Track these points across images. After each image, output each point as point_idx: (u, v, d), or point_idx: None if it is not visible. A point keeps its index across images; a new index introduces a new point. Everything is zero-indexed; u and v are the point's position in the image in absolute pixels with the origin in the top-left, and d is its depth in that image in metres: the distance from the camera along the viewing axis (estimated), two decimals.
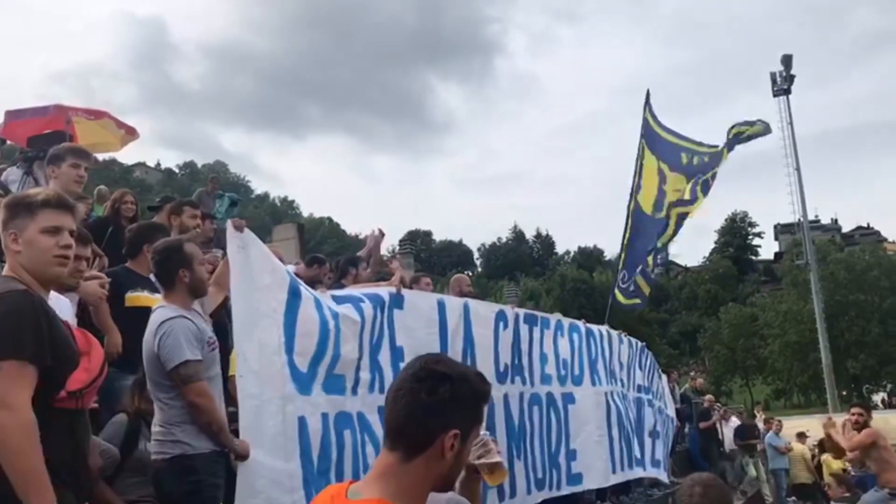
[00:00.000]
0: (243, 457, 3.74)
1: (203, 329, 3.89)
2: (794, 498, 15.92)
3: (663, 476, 10.05)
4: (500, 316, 6.14)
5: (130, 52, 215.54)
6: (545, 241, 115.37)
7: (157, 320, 3.82)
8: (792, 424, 18.71)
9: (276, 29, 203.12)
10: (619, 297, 12.79)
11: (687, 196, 12.88)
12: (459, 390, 1.81)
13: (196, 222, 6.00)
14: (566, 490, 6.76)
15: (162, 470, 3.79)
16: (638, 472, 8.81)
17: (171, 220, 5.98)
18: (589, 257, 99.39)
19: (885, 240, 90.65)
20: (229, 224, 4.12)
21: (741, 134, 13.47)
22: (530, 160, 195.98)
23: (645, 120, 13.54)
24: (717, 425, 16.16)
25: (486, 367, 5.78)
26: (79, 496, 2.72)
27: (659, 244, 12.98)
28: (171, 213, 6.03)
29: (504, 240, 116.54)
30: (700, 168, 13.10)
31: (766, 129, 13.95)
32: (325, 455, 3.95)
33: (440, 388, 1.78)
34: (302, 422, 3.97)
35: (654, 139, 13.45)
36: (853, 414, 8.50)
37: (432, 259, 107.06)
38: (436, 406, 1.77)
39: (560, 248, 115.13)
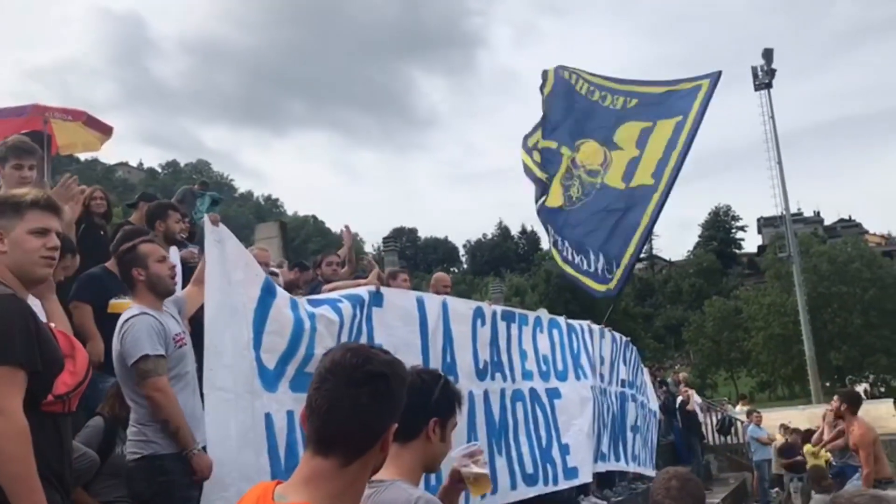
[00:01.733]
0: (199, 471, 3.65)
1: (168, 326, 3.87)
2: (777, 489, 16.06)
3: (646, 471, 10.09)
4: (478, 313, 6.15)
5: (108, 48, 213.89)
6: (530, 237, 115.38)
7: (121, 321, 3.84)
8: (776, 416, 18.87)
9: (256, 24, 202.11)
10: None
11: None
12: (394, 385, 1.78)
13: (181, 226, 5.90)
14: (564, 484, 6.80)
15: (133, 470, 3.76)
16: (611, 466, 8.84)
17: (157, 225, 5.85)
18: None
19: (867, 232, 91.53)
20: (206, 218, 4.09)
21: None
22: (515, 156, 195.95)
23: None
24: (699, 418, 16.22)
25: (465, 364, 5.80)
26: (64, 498, 2.71)
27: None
28: (156, 217, 5.84)
29: (489, 236, 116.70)
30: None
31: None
32: (293, 452, 3.94)
33: (381, 387, 1.74)
34: (268, 418, 3.96)
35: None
36: (833, 402, 8.60)
37: (418, 256, 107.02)
38: (379, 407, 1.74)
39: (545, 244, 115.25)
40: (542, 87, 12.06)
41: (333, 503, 1.68)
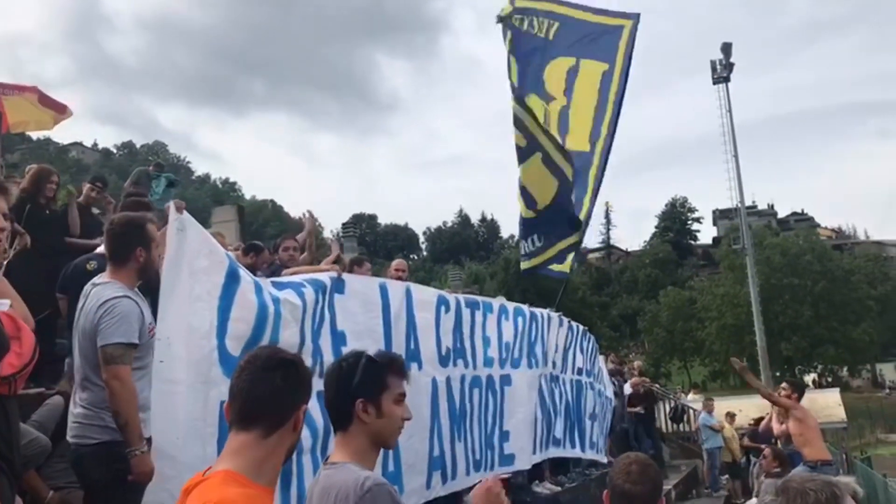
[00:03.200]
0: (136, 473, 3.50)
1: (146, 314, 3.76)
2: (726, 476, 16.40)
3: (600, 457, 10.24)
4: (442, 300, 6.15)
5: (60, 22, 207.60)
6: (490, 226, 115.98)
7: (104, 295, 3.65)
8: (728, 405, 19.22)
9: (214, 1, 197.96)
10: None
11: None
12: (302, 372, 2.17)
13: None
14: (500, 470, 6.82)
15: (86, 456, 3.64)
16: (567, 452, 8.93)
17: None
18: None
19: (819, 225, 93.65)
20: (172, 205, 3.98)
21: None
22: (476, 143, 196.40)
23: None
24: (654, 407, 16.43)
25: (428, 350, 5.80)
26: (11, 482, 2.65)
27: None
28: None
29: (449, 224, 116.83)
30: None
31: None
32: None
33: (291, 371, 2.12)
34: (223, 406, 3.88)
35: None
36: (781, 389, 8.86)
37: (377, 243, 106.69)
38: (290, 387, 2.10)
39: (505, 233, 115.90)
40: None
41: (257, 467, 2.01)
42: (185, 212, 3.96)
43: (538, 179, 10.15)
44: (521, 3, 10.93)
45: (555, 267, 10.36)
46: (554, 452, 8.41)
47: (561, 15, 10.78)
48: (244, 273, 4.22)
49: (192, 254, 3.89)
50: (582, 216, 9.85)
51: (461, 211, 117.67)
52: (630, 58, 10.33)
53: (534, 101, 10.30)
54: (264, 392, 2.05)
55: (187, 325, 3.77)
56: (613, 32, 10.60)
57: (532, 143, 10.10)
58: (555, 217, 10.12)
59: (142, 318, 3.70)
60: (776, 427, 9.48)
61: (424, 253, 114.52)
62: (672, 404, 20.09)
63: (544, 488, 8.51)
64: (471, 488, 6.29)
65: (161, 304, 3.73)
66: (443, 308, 6.14)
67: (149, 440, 3.64)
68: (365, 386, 2.47)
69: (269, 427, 2.04)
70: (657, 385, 23.22)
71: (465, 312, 6.45)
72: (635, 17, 10.74)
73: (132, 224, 3.90)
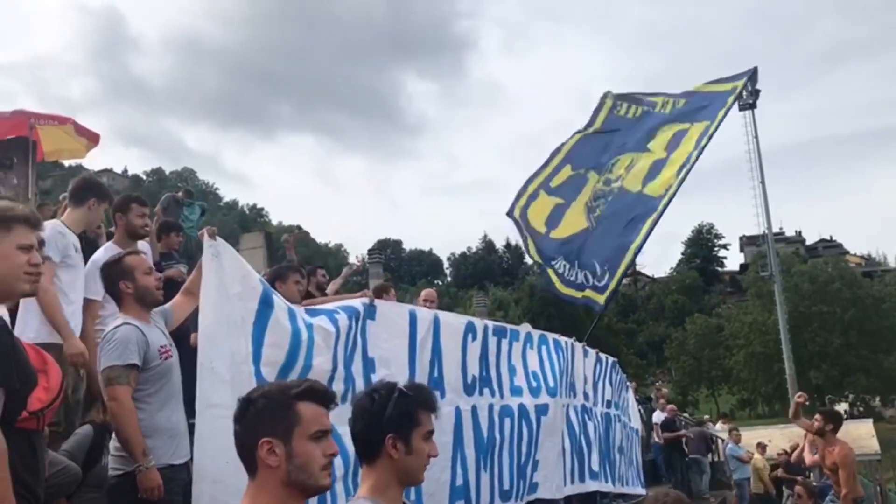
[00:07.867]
0: (143, 489, 3.63)
1: (153, 338, 3.85)
2: None
3: (634, 490, 10.09)
4: (469, 328, 6.11)
5: (85, 45, 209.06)
6: (515, 251, 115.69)
7: (106, 331, 3.87)
8: (756, 435, 18.91)
9: (241, 21, 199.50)
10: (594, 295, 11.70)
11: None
12: (255, 407, 2.21)
13: (145, 221, 5.62)
14: (525, 499, 6.75)
15: (114, 487, 3.73)
16: (602, 486, 8.80)
17: (115, 218, 5.56)
18: None
19: (847, 252, 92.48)
20: (205, 232, 4.04)
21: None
22: (501, 167, 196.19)
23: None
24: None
25: (453, 378, 5.76)
26: None
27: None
28: (117, 210, 5.54)
29: (474, 249, 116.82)
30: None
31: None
32: None
33: (243, 411, 2.22)
34: None
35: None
36: (815, 420, 8.45)
37: (402, 268, 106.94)
38: (240, 428, 2.21)
39: (529, 259, 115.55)
40: (593, 117, 12.85)
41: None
42: (218, 237, 4.03)
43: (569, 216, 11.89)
44: (655, 98, 13.02)
45: (594, 297, 11.48)
46: (593, 486, 8.28)
47: (692, 92, 12.86)
48: (278, 299, 4.25)
49: (228, 279, 3.94)
50: (626, 261, 11.27)
51: (485, 237, 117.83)
52: (729, 110, 12.30)
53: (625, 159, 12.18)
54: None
55: (228, 349, 3.80)
56: (725, 96, 12.55)
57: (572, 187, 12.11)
58: (583, 248, 11.55)
59: (146, 342, 3.79)
60: (808, 458, 9.28)
61: (449, 279, 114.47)
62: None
63: None
64: None
65: (200, 330, 3.78)
66: (469, 336, 6.09)
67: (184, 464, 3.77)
68: (396, 421, 2.40)
69: (248, 470, 2.18)
70: (686, 414, 22.90)
71: (492, 341, 6.40)
72: (750, 73, 13.53)
73: (109, 263, 4.14)
